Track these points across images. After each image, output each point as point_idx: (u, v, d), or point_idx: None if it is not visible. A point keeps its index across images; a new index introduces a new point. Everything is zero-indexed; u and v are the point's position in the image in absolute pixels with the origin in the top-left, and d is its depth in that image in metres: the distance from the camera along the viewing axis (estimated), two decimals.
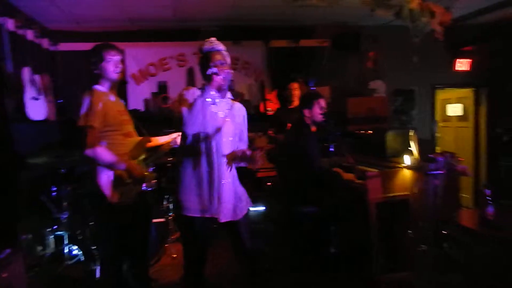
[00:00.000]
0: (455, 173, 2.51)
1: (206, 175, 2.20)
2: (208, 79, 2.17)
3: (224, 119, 2.24)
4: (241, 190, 2.37)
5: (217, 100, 2.25)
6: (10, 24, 3.88)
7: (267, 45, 5.54)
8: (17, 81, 3.70)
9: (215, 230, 2.35)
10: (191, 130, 2.15)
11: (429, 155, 2.41)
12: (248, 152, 2.17)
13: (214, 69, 2.11)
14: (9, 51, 3.60)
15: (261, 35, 5.52)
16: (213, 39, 2.30)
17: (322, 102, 3.15)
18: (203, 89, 2.17)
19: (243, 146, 2.39)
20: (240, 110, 2.39)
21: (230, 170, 2.26)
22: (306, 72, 5.54)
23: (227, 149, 2.23)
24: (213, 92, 2.17)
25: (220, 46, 2.28)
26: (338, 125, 4.26)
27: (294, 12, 4.84)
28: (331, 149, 2.54)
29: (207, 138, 2.18)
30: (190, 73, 5.47)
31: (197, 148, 2.20)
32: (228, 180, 2.24)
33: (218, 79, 2.12)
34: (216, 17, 4.98)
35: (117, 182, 2.35)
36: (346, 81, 5.73)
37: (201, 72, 2.30)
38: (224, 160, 2.20)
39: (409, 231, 2.61)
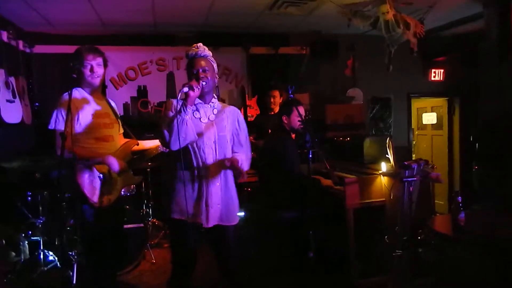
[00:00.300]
0: (429, 179, 2.60)
1: (190, 179, 2.20)
2: (183, 95, 2.10)
3: (207, 124, 2.25)
4: (233, 195, 2.33)
5: (199, 107, 2.27)
6: None
7: (247, 51, 5.59)
8: None
9: (203, 234, 2.35)
10: (175, 146, 2.11)
11: (404, 163, 2.49)
12: (237, 164, 2.17)
13: (185, 89, 2.06)
14: None
15: (240, 42, 5.57)
16: (199, 44, 2.29)
17: (301, 109, 3.21)
18: (185, 100, 2.10)
19: (244, 150, 2.36)
20: (231, 112, 2.38)
21: (219, 175, 2.25)
22: (286, 79, 5.63)
23: (210, 153, 2.23)
24: (189, 109, 2.12)
25: (205, 52, 2.28)
26: (317, 131, 4.34)
27: (271, 20, 4.91)
28: (310, 156, 2.59)
29: (191, 143, 2.19)
30: (170, 77, 5.46)
31: (181, 153, 2.20)
32: (215, 184, 2.23)
33: (192, 94, 2.08)
34: (196, 23, 5.00)
35: (104, 181, 2.38)
36: (325, 88, 5.85)
37: (188, 77, 2.29)
38: (209, 164, 2.20)
39: (385, 237, 2.68)
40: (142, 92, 5.37)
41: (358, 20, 4.38)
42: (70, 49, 4.99)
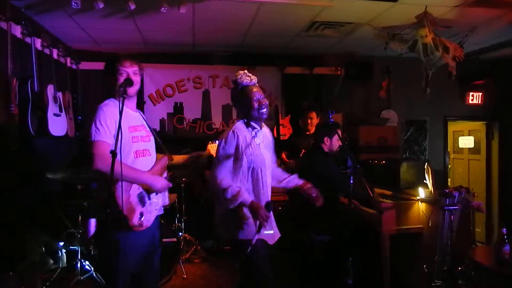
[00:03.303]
0: (470, 208, 2.53)
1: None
2: (255, 117, 2.31)
3: (263, 150, 2.36)
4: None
5: (258, 133, 2.38)
6: (37, 43, 4.03)
7: (281, 71, 5.66)
8: (42, 98, 3.83)
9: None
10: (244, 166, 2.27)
11: (445, 190, 2.44)
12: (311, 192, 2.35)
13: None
14: (36, 69, 3.73)
15: (275, 62, 5.65)
16: (248, 73, 2.36)
17: (340, 133, 3.22)
18: (248, 124, 2.32)
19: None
20: (270, 133, 2.53)
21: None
22: (320, 99, 5.65)
23: (269, 176, 2.36)
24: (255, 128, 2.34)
25: (255, 79, 2.38)
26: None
27: (307, 41, 4.97)
28: (351, 181, 2.58)
29: (255, 169, 2.29)
30: (206, 95, 5.60)
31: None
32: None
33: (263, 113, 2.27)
34: (233, 44, 5.12)
35: (143, 201, 2.22)
36: (358, 110, 5.83)
37: (239, 105, 2.40)
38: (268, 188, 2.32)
39: (424, 266, 2.62)
40: (179, 108, 5.53)
41: (395, 43, 4.37)
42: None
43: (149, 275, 2.37)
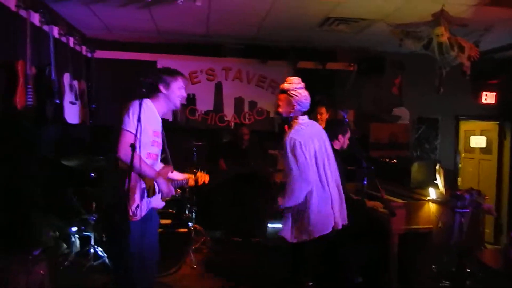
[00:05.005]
0: (480, 210, 2.55)
1: None
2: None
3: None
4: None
5: None
6: (54, 31, 4.07)
7: (294, 66, 5.65)
8: (59, 86, 3.88)
9: None
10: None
11: (457, 192, 2.45)
12: None
13: None
14: (53, 57, 3.79)
15: (288, 56, 5.65)
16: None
17: (348, 134, 3.25)
18: None
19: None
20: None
21: None
22: (332, 94, 5.64)
23: None
24: None
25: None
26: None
27: (320, 36, 4.96)
28: (365, 183, 2.59)
29: None
30: (218, 87, 5.63)
31: None
32: None
33: None
34: (247, 36, 5.12)
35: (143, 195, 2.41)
36: (370, 106, 5.81)
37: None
38: None
39: (432, 266, 2.64)
40: (191, 100, 5.57)
41: (410, 41, 4.32)
42: (125, 55, 5.37)
43: (146, 264, 2.52)
